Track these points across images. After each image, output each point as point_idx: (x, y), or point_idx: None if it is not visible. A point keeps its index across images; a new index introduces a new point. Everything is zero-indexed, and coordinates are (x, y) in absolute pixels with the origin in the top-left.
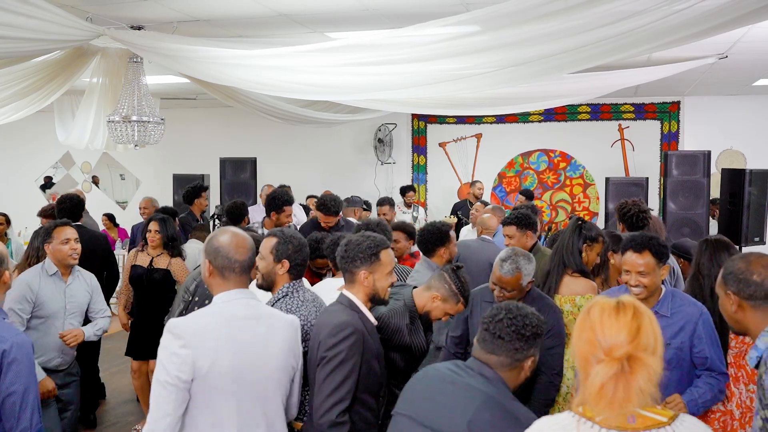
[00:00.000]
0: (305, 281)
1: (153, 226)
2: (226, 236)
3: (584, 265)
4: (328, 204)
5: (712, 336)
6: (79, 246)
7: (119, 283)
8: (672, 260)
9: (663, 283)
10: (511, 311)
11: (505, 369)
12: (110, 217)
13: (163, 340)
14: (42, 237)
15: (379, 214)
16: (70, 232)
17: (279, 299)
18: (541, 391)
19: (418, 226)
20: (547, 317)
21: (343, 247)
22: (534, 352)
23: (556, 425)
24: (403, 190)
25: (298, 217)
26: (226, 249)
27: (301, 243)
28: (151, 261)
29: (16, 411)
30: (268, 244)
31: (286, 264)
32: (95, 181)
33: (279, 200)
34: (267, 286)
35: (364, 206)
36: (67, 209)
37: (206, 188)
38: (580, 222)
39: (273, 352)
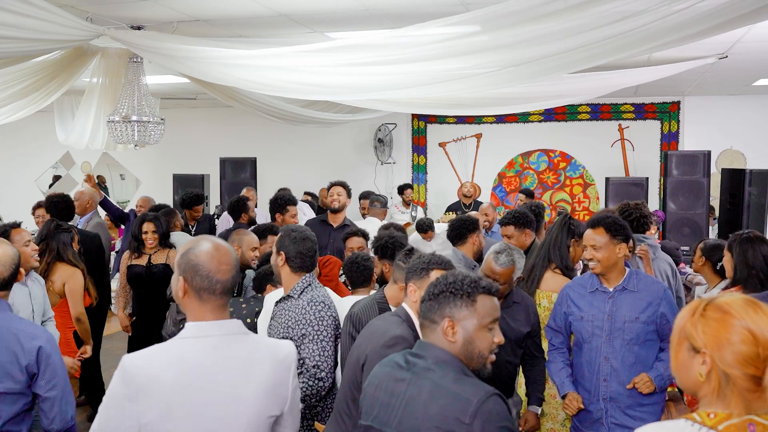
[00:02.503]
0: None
1: (149, 227)
2: (206, 249)
3: (570, 261)
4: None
5: (676, 311)
6: (37, 247)
7: (117, 284)
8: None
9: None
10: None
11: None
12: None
13: (113, 379)
14: None
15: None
16: (26, 234)
17: (304, 289)
18: (542, 374)
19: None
20: (532, 315)
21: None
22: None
23: None
24: (401, 189)
25: (306, 215)
26: (206, 266)
27: (301, 236)
28: (149, 258)
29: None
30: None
31: (282, 255)
32: (101, 181)
33: (281, 201)
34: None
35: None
36: (60, 209)
37: (202, 202)
38: (567, 218)
39: (243, 405)
